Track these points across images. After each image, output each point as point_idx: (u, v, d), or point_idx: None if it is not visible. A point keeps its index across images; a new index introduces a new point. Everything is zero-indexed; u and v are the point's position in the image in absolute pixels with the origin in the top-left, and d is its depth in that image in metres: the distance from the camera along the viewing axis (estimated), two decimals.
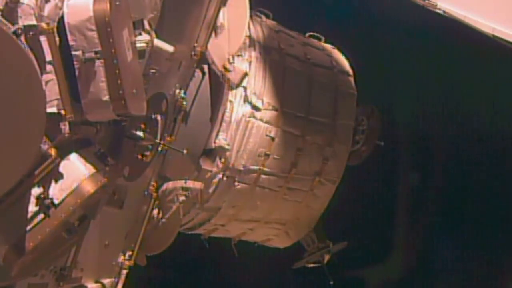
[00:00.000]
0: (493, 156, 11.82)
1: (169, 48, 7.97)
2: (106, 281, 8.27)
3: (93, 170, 7.14)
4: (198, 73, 8.79)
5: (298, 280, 12.01)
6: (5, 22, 6.60)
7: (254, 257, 11.15)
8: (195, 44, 8.46)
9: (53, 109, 6.85)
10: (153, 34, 7.67)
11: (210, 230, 9.92)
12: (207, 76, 8.90)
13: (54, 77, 6.85)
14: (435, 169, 12.43)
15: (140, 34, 7.49)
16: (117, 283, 8.41)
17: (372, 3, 11.35)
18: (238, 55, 9.02)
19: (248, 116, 9.17)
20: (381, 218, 12.32)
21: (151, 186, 8.59)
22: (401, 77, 11.94)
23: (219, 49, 8.67)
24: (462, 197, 12.09)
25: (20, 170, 6.69)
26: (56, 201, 6.94)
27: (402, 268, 12.55)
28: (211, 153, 9.08)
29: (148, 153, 8.12)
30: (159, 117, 8.11)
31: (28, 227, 6.90)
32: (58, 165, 7.00)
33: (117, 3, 6.93)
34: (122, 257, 8.42)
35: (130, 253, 8.46)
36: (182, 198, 8.70)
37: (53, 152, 6.91)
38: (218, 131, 9.04)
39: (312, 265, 10.81)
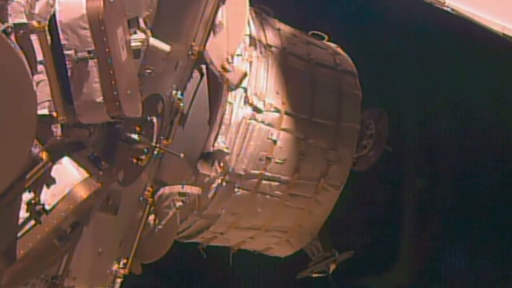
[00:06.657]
0: (503, 161, 11.77)
1: (166, 47, 7.83)
2: None
3: (86, 175, 7.06)
4: (195, 74, 8.67)
5: None
6: None
7: (256, 267, 11.09)
8: (193, 43, 8.34)
9: (45, 111, 6.78)
10: (149, 33, 7.54)
11: (208, 238, 9.81)
12: (205, 76, 8.78)
13: (45, 77, 6.77)
14: (443, 175, 12.36)
15: (135, 32, 7.37)
16: None
17: (377, 1, 11.28)
18: (237, 55, 8.93)
19: (249, 118, 9.05)
20: (387, 225, 12.31)
21: (147, 191, 8.47)
22: (407, 77, 11.97)
23: (218, 48, 8.55)
24: (471, 203, 12.06)
25: (10, 174, 6.58)
26: (47, 207, 6.86)
27: (409, 276, 12.51)
28: (209, 157, 8.95)
29: (143, 156, 8.01)
30: (155, 119, 8.01)
31: (19, 234, 6.80)
32: (49, 169, 6.90)
33: (111, 0, 6.82)
34: (116, 265, 8.30)
35: (124, 261, 8.35)
36: (179, 203, 8.57)
37: (44, 155, 6.80)
38: (217, 134, 8.90)
39: (317, 274, 10.64)
